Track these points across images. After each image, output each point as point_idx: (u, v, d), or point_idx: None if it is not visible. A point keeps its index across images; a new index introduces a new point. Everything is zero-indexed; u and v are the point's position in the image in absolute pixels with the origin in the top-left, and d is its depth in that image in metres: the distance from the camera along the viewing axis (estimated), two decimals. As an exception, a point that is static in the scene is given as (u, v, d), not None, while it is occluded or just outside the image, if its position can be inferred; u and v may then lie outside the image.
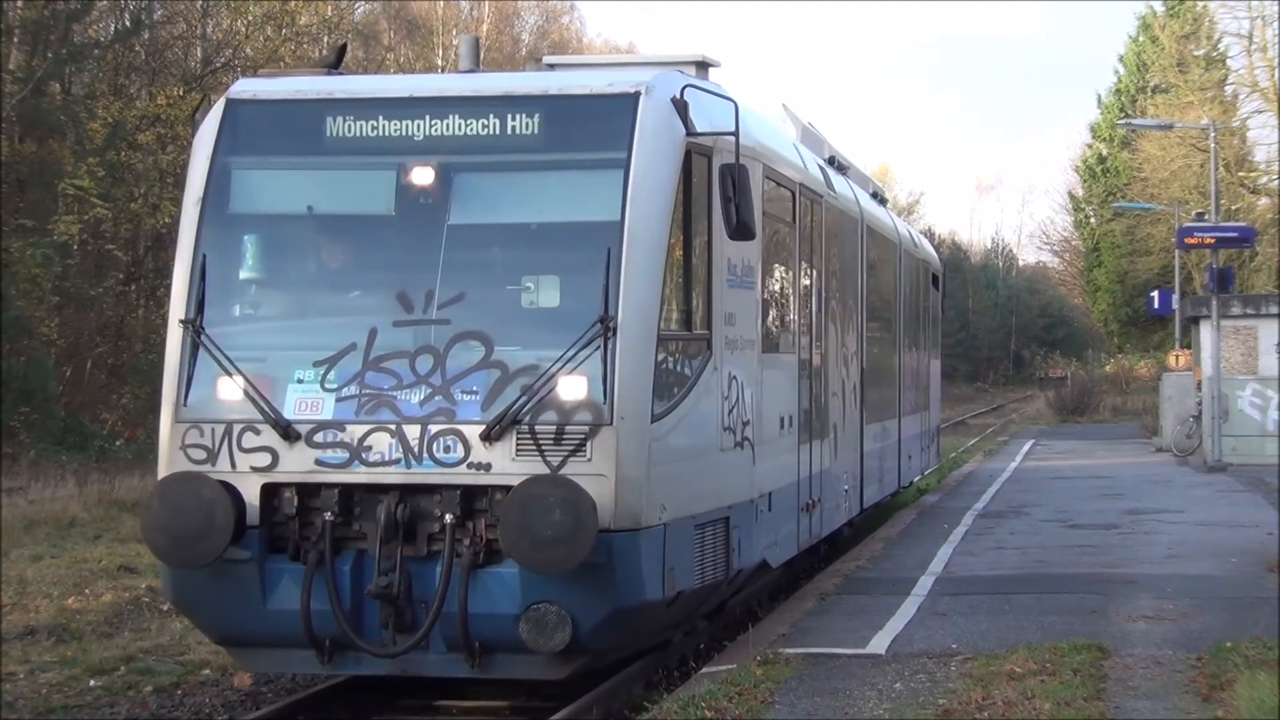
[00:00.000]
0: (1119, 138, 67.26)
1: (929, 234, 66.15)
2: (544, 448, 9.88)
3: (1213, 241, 32.96)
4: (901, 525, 22.26)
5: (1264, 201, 54.07)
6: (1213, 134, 37.36)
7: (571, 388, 9.95)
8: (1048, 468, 33.91)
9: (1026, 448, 41.64)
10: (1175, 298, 42.54)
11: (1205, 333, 30.55)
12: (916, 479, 25.20)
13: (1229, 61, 59.30)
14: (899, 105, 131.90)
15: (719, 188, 10.82)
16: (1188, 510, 23.81)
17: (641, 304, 10.18)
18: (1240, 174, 54.58)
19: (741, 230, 10.73)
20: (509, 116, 10.65)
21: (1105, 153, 73.16)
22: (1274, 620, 13.23)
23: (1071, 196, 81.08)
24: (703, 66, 12.29)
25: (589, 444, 9.90)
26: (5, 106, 33.53)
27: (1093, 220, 75.19)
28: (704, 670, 12.32)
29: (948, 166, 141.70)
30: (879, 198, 22.61)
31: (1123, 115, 64.58)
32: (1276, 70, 51.64)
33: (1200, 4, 61.69)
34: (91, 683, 12.90)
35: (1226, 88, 58.73)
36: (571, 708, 10.82)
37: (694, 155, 10.87)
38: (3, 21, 34.22)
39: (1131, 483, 29.16)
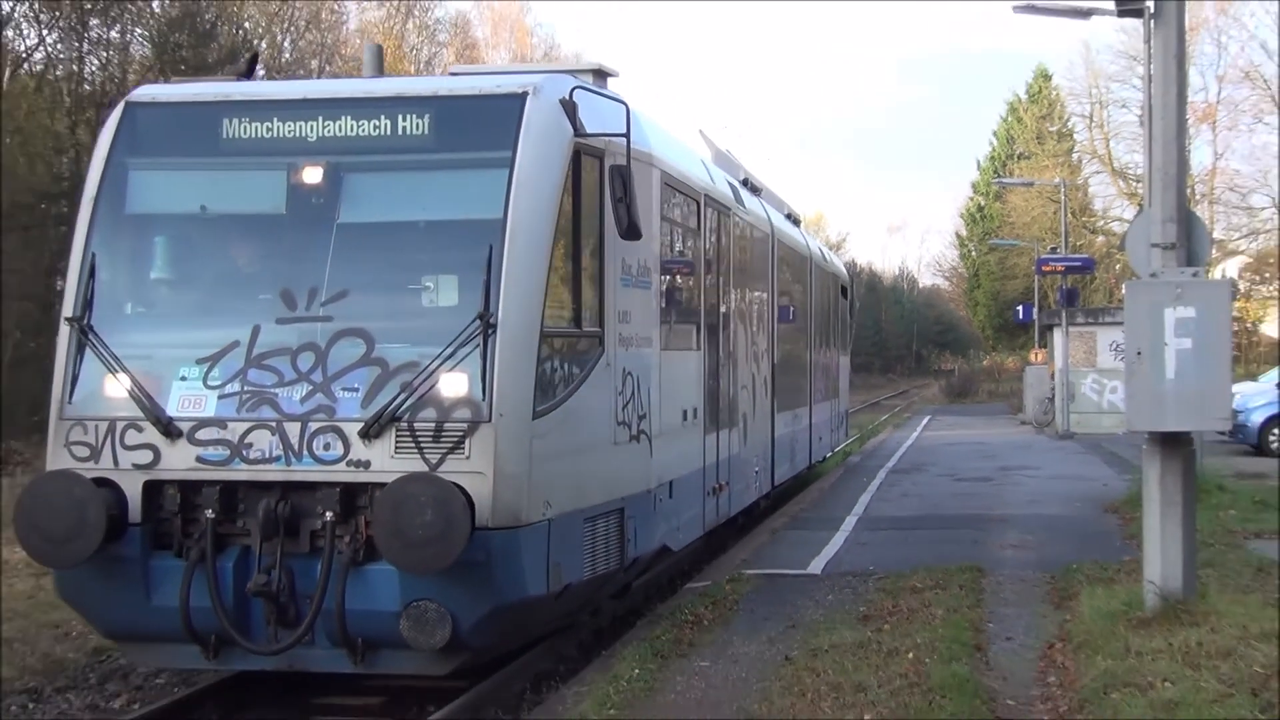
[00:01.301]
0: (993, 193, 73.83)
1: (851, 264, 73.39)
2: (423, 445, 8.95)
3: (1063, 269, 38.24)
4: (833, 479, 24.35)
5: (1100, 239, 59.86)
6: (1063, 190, 45.56)
7: (451, 385, 9.03)
8: (940, 437, 36.30)
9: (924, 422, 44.16)
10: (1035, 310, 46.10)
11: (1057, 336, 34.83)
12: (828, 454, 25.40)
13: (1075, 135, 69.18)
14: (831, 166, 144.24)
15: (609, 188, 9.95)
16: (1044, 467, 26.03)
17: (523, 301, 9.21)
18: (1083, 219, 61.63)
19: (631, 230, 9.88)
20: (400, 117, 9.79)
21: (983, 203, 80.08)
22: (1107, 548, 14.80)
23: (958, 236, 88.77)
24: (601, 75, 11.21)
25: (468, 441, 8.92)
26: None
27: (974, 254, 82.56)
28: (687, 586, 13.63)
29: (867, 214, 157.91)
30: (793, 218, 22.23)
31: (996, 176, 72.06)
32: (1109, 142, 61.39)
33: (1054, 93, 71.99)
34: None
35: (1073, 155, 67.16)
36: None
37: (584, 156, 9.93)
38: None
39: (1002, 447, 31.67)
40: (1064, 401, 35.19)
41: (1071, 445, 29.92)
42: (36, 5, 33.43)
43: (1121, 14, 11.29)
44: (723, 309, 14.71)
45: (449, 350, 8.97)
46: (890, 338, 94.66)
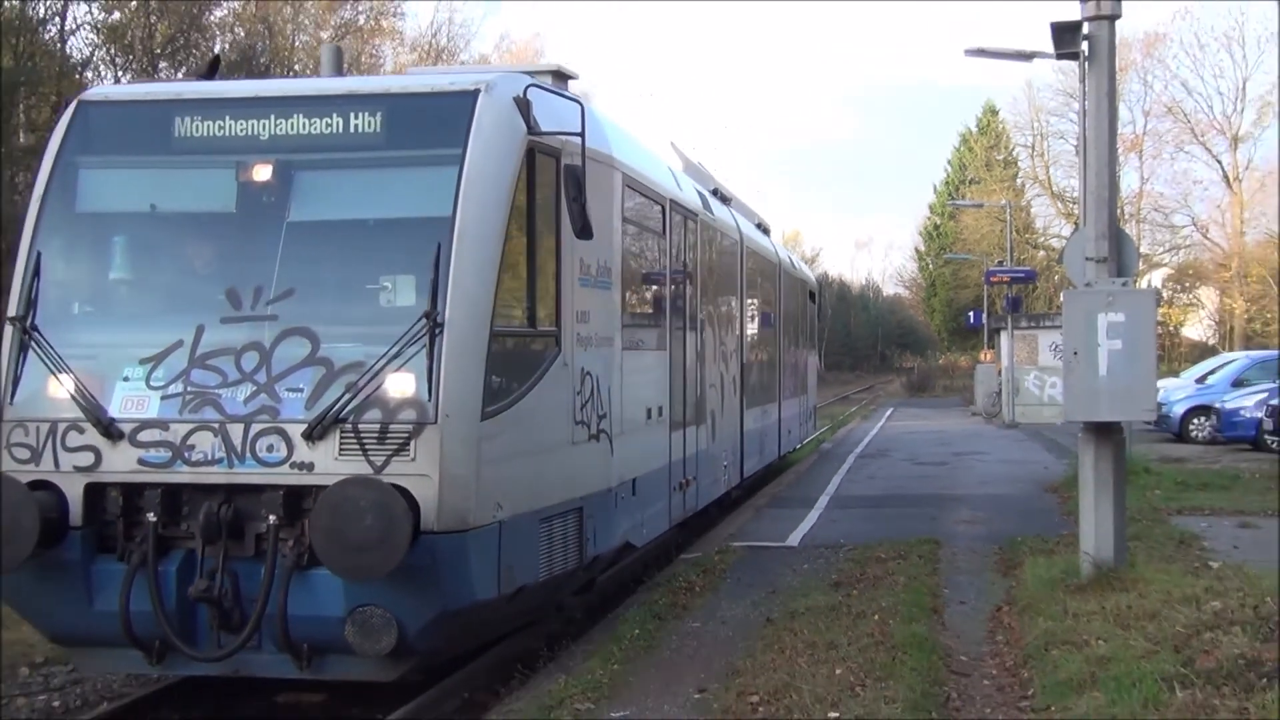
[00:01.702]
0: (948, 213, 74.64)
1: (824, 275, 75.78)
2: (367, 447, 7.80)
3: (1008, 280, 38.47)
4: (809, 464, 24.21)
5: (1041, 253, 60.15)
6: (1009, 210, 48.14)
7: (396, 386, 7.86)
8: (902, 427, 36.05)
9: (888, 414, 43.91)
10: (984, 316, 46.13)
11: (1004, 338, 35.00)
12: (798, 446, 24.38)
13: (1019, 163, 69.94)
14: (806, 190, 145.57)
15: (564, 187, 8.86)
16: (992, 453, 25.95)
17: (471, 300, 8.02)
18: (1026, 236, 62.17)
19: (584, 230, 8.72)
20: (352, 115, 8.57)
21: (939, 222, 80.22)
22: (1048, 523, 14.74)
23: (917, 251, 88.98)
24: (560, 76, 10.18)
25: (413, 443, 7.76)
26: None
27: (931, 266, 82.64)
28: (681, 556, 13.45)
29: (837, 231, 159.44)
30: (763, 228, 21.11)
31: (950, 198, 72.81)
32: (1049, 169, 63.19)
33: (1001, 125, 72.78)
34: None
35: (1017, 180, 67.94)
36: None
37: (539, 155, 8.75)
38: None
39: (956, 436, 31.45)
40: (1010, 395, 35.32)
41: (1016, 434, 29.94)
42: (112, 49, 33.55)
43: (1059, 57, 11.28)
44: (690, 310, 13.46)
45: (395, 350, 7.82)
46: (858, 340, 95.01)
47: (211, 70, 10.29)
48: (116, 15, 34.00)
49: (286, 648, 7.87)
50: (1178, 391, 29.13)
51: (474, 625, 8.52)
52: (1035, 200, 67.06)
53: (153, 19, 33.83)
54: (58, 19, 32.03)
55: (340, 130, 8.63)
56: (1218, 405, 26.79)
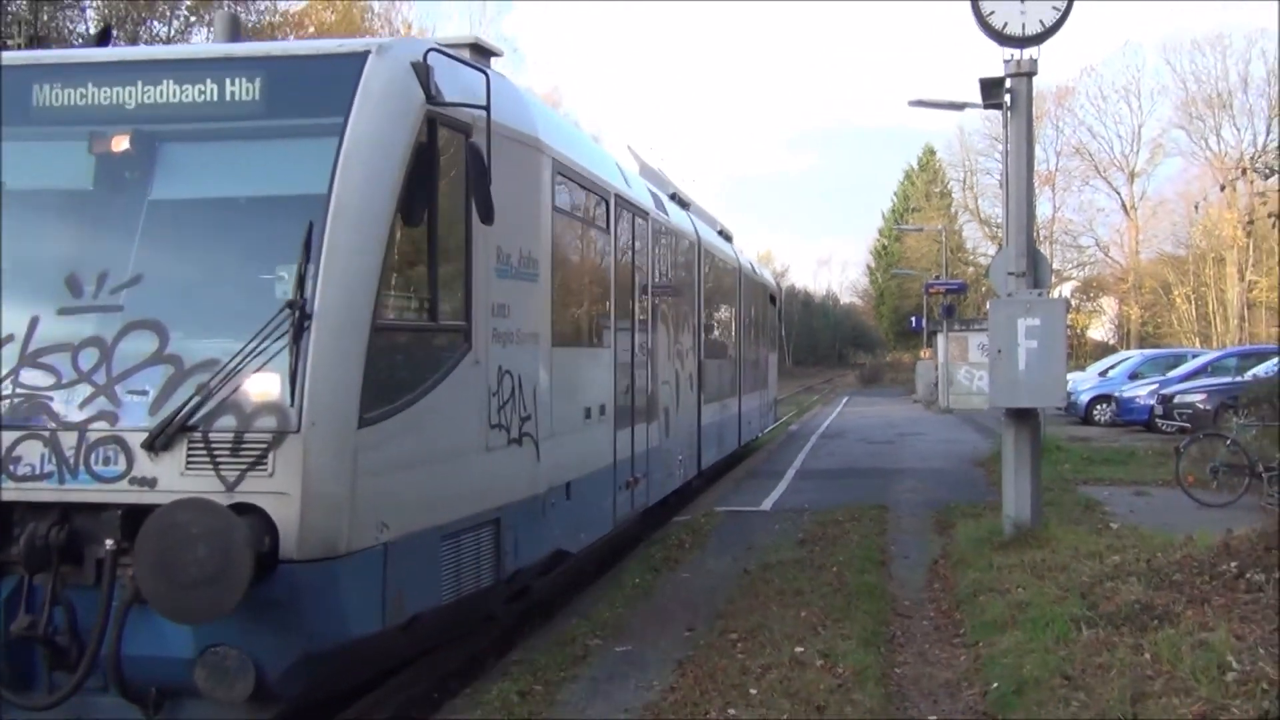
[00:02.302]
0: (894, 235, 74.81)
1: (791, 287, 76.33)
2: (219, 460, 5.54)
3: (944, 291, 39.10)
4: (779, 442, 24.06)
5: (970, 269, 59.62)
6: (944, 234, 48.57)
7: (255, 387, 5.62)
8: (856, 413, 35.86)
9: (844, 401, 43.82)
10: (924, 320, 46.03)
11: (940, 339, 35.18)
12: (758, 435, 22.28)
13: (953, 194, 70.13)
14: (777, 214, 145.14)
15: (467, 165, 6.57)
16: (930, 434, 25.86)
17: (348, 288, 5.80)
18: (958, 255, 61.86)
19: (486, 214, 6.48)
20: (228, 82, 6.25)
21: (887, 243, 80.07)
22: (976, 492, 14.72)
23: (869, 267, 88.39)
24: (481, 51, 7.67)
25: (271, 455, 5.51)
26: None
27: (880, 279, 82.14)
28: (674, 519, 13.20)
29: (803, 250, 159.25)
30: (724, 235, 18.87)
31: (896, 223, 72.56)
32: (977, 199, 63.68)
33: (938, 163, 73.24)
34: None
35: (951, 209, 68.13)
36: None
37: (443, 128, 6.48)
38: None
39: (901, 420, 31.24)
40: (945, 386, 35.05)
41: (950, 418, 29.89)
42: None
43: (987, 106, 11.26)
44: (639, 307, 11.19)
45: (253, 345, 5.60)
46: (820, 341, 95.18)
47: (102, 38, 8.32)
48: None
49: (123, 693, 5.61)
50: (1084, 383, 29.12)
51: (359, 660, 6.20)
52: (966, 225, 67.46)
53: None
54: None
55: (215, 98, 6.31)
56: (1117, 394, 26.83)
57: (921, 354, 49.83)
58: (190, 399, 5.63)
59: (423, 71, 6.36)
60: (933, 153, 75.33)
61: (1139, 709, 5.43)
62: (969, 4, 10.13)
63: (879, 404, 41.75)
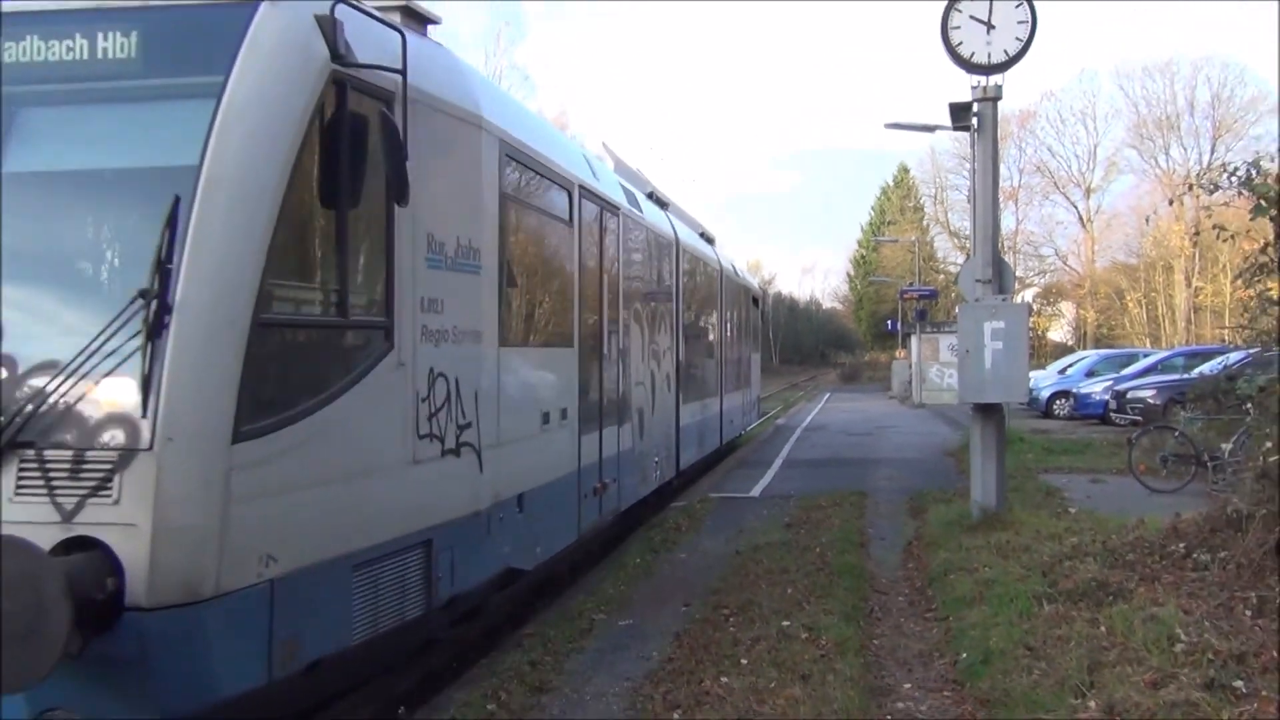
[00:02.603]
0: (872, 246, 74.11)
1: (779, 293, 75.44)
2: (55, 483, 4.21)
3: (917, 297, 38.67)
4: (767, 435, 23.95)
5: (941, 277, 59.45)
6: (917, 245, 48.85)
7: (101, 395, 4.27)
8: (837, 407, 35.73)
9: (826, 397, 43.59)
10: (899, 323, 45.93)
11: (914, 340, 35.23)
12: (741, 433, 20.72)
13: (925, 208, 69.92)
14: (765, 227, 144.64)
15: (381, 137, 5.14)
16: (905, 427, 25.54)
17: (219, 277, 4.42)
18: (930, 264, 61.25)
19: (399, 194, 5.18)
20: (100, 36, 4.85)
21: (865, 253, 79.40)
22: (947, 479, 14.70)
23: (849, 275, 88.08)
24: (415, 16, 6.24)
25: (117, 478, 4.16)
26: None
27: (859, 286, 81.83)
28: (671, 505, 13.12)
29: (789, 259, 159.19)
30: (706, 237, 17.32)
31: (874, 235, 72.52)
32: (947, 213, 63.95)
33: (911, 180, 73.02)
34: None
35: (923, 221, 67.79)
36: None
37: (354, 92, 5.07)
38: None
39: (878, 414, 31.09)
40: (918, 383, 35.14)
41: (923, 413, 29.85)
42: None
43: (956, 129, 11.26)
44: (609, 306, 9.72)
45: (100, 344, 4.28)
46: (804, 342, 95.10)
47: None
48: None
49: None
50: (1045, 380, 29.05)
51: (248, 715, 4.56)
52: (937, 237, 67.41)
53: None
54: None
55: (85, 55, 4.90)
56: (1075, 390, 26.75)
57: (897, 354, 49.90)
58: (23, 409, 4.26)
59: (329, 26, 4.93)
60: (907, 171, 75.47)
61: (1095, 677, 5.42)
62: (940, 36, 10.13)
63: (858, 400, 41.77)
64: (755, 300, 23.00)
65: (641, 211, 11.40)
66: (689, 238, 14.82)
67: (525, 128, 7.58)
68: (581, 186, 8.85)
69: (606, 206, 9.75)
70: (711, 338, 16.89)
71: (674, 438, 13.14)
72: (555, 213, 8.27)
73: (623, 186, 10.94)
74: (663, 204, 14.00)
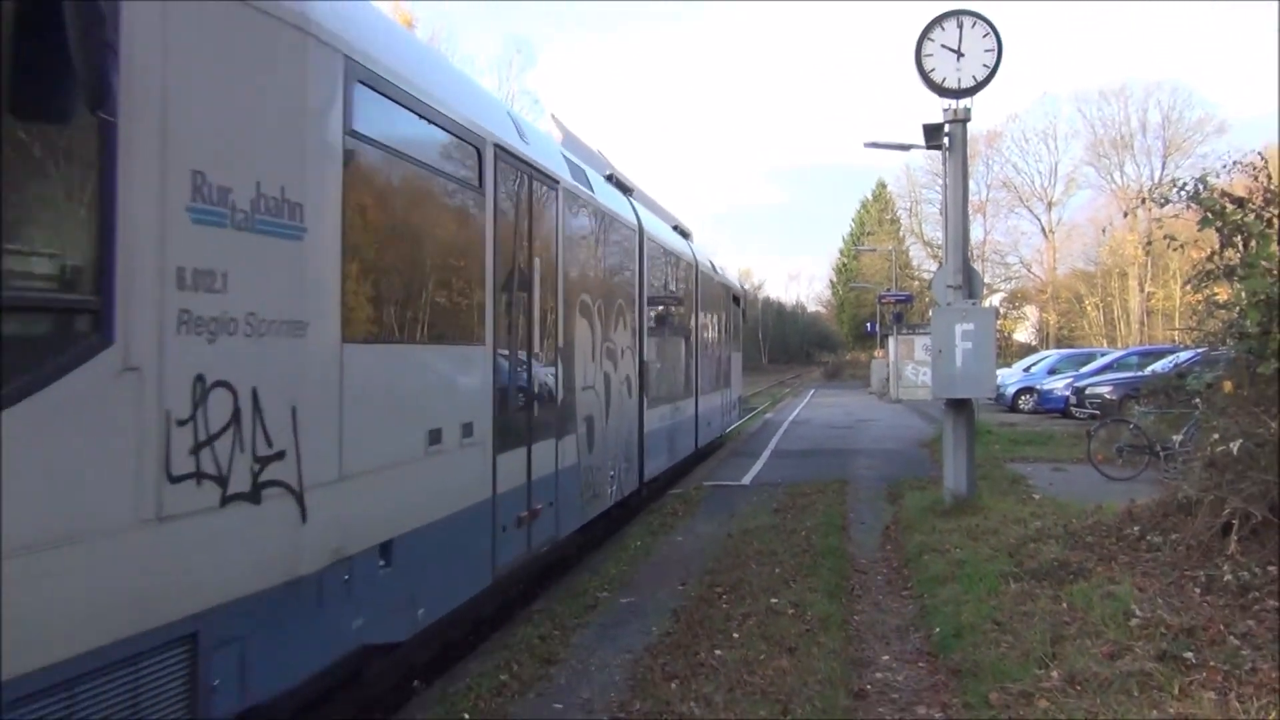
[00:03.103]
0: (853, 255, 74.28)
1: (767, 300, 75.12)
2: None
3: (894, 301, 38.40)
4: (756, 428, 23.88)
5: (916, 283, 59.32)
6: (893, 254, 49.24)
7: None
8: (821, 402, 35.56)
9: (811, 393, 43.33)
10: (878, 326, 46.29)
11: (891, 341, 35.26)
12: (720, 435, 18.11)
13: (901, 220, 69.73)
14: (757, 239, 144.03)
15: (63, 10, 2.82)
16: (883, 420, 25.56)
17: None
18: (906, 271, 61.31)
19: (93, 95, 2.96)
20: None
21: (846, 261, 79.33)
22: (922, 468, 14.61)
23: (832, 281, 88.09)
24: None
25: None
26: None
27: (841, 292, 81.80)
28: (669, 492, 12.98)
29: (776, 266, 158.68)
30: (680, 231, 15.24)
31: (855, 245, 72.78)
32: (921, 225, 63.78)
33: (888, 194, 73.09)
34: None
35: (900, 232, 67.84)
36: None
37: None
38: None
39: (858, 408, 30.96)
40: (895, 380, 35.22)
41: (900, 407, 29.81)
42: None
43: (929, 147, 11.25)
44: (542, 296, 7.39)
45: None
46: (791, 343, 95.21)
47: None
48: None
49: None
50: (1010, 377, 29.05)
51: None
52: (912, 246, 67.46)
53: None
54: None
55: None
56: (1038, 387, 26.79)
57: (876, 353, 50.11)
58: None
59: None
60: (884, 186, 75.71)
61: (1057, 649, 5.42)
62: (914, 63, 10.13)
63: (840, 395, 41.71)
64: (736, 299, 20.47)
65: (592, 190, 9.08)
66: (656, 228, 12.40)
67: (401, 55, 5.21)
68: (499, 146, 6.48)
69: (540, 177, 7.39)
70: (685, 336, 14.30)
71: (637, 446, 10.91)
72: (454, 173, 5.86)
73: (567, 159, 8.63)
74: (625, 189, 11.79)
